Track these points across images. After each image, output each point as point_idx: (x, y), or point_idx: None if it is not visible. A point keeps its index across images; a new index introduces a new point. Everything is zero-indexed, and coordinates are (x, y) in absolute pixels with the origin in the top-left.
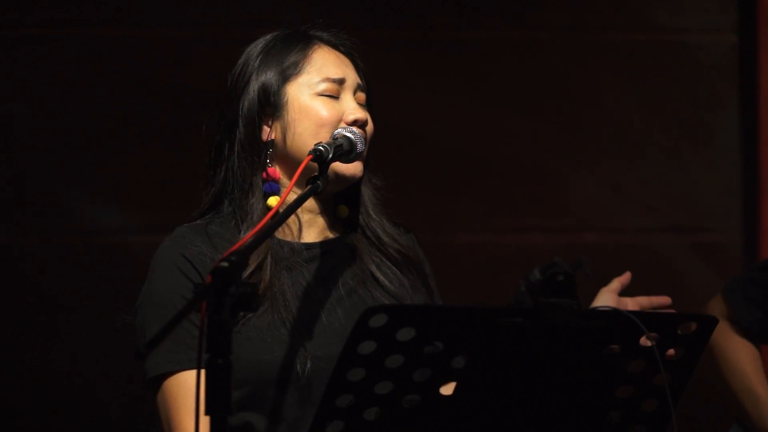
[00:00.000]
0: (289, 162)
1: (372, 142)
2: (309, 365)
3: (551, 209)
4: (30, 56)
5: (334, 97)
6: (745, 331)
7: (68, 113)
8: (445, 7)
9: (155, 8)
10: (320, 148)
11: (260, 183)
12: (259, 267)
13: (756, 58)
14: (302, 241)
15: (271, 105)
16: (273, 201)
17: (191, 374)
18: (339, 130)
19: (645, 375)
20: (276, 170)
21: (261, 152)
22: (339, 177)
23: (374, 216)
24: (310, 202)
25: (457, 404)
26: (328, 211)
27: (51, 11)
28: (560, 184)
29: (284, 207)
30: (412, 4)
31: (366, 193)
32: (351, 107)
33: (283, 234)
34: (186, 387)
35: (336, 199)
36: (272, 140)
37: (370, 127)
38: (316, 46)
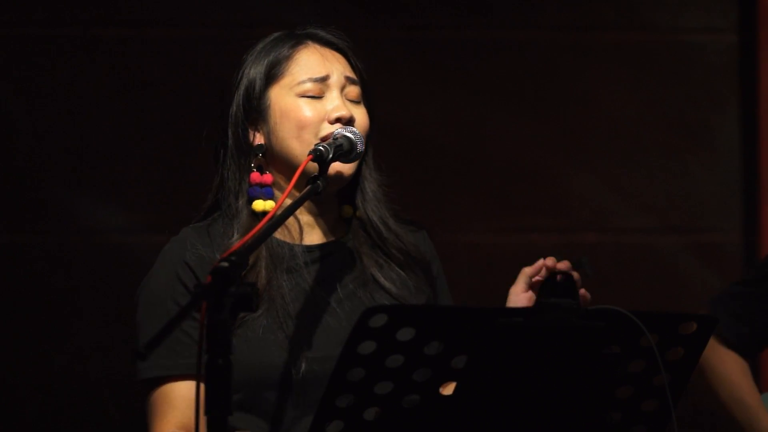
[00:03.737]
0: (280, 165)
1: (372, 138)
2: (304, 367)
3: (551, 209)
4: (30, 56)
5: (317, 97)
6: (731, 345)
7: (69, 113)
8: (445, 7)
9: (155, 8)
10: (320, 148)
11: (247, 187)
12: (253, 266)
13: (756, 58)
14: (304, 243)
15: (255, 110)
16: (258, 205)
17: (177, 385)
18: (339, 130)
19: (645, 375)
20: (269, 174)
21: (249, 156)
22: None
23: (378, 214)
24: (312, 204)
25: (457, 404)
26: (331, 212)
27: (51, 11)
28: (560, 184)
29: (283, 208)
30: (412, 4)
31: (369, 190)
32: (334, 105)
33: (284, 236)
34: (169, 398)
35: (341, 199)
36: (262, 144)
37: (360, 123)
38: (302, 46)
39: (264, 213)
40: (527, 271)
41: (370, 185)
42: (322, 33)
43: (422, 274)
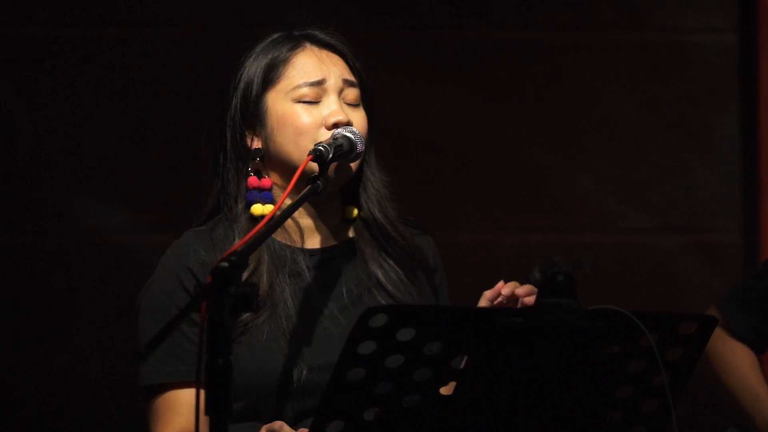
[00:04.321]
0: (279, 169)
1: (374, 138)
2: (305, 374)
3: (551, 209)
4: (30, 56)
5: (314, 102)
6: (741, 338)
7: (69, 113)
8: (445, 7)
9: (155, 8)
10: (320, 148)
11: (245, 191)
12: (255, 271)
13: (756, 58)
14: (306, 247)
15: (252, 114)
16: (257, 209)
17: (180, 391)
18: (339, 130)
19: (645, 375)
20: (267, 178)
21: (246, 160)
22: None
23: (383, 213)
24: (313, 207)
25: (457, 404)
26: (333, 214)
27: (51, 11)
28: (560, 184)
29: (282, 209)
30: (412, 4)
31: (374, 189)
32: (331, 110)
33: (285, 239)
34: (173, 404)
35: (344, 200)
36: (259, 148)
37: (359, 126)
38: (300, 49)
39: (263, 217)
40: (487, 294)
41: (374, 185)
42: (320, 35)
43: (424, 278)
